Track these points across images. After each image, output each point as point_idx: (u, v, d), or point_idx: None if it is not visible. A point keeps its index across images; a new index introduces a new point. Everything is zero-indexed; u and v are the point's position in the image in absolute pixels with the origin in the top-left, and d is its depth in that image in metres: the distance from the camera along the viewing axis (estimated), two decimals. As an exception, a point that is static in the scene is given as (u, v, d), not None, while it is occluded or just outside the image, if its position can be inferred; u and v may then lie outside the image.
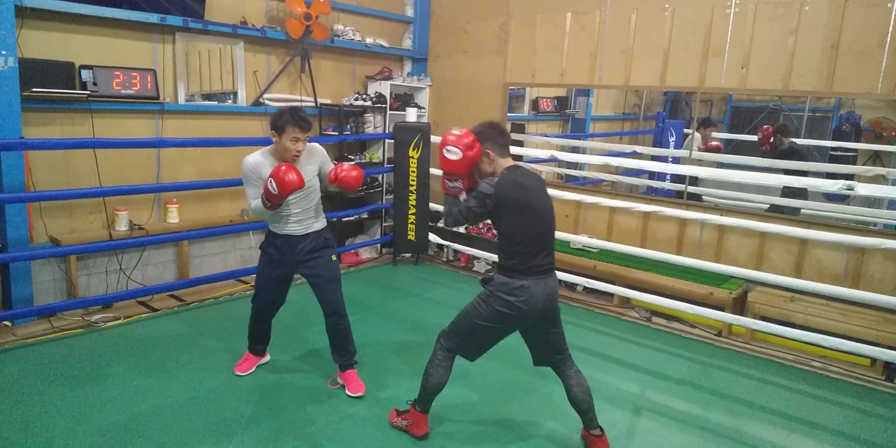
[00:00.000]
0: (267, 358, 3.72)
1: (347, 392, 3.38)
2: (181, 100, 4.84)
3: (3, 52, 3.73)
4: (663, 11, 5.01)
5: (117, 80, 4.35)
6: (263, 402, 3.28)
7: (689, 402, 3.53)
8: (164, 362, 3.66)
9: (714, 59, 4.83)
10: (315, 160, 3.31)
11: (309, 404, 3.28)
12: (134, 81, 4.43)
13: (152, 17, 4.43)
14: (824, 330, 4.05)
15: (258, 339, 3.62)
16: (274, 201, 3.04)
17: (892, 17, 4.07)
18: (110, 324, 4.18)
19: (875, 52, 4.16)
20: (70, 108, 4.19)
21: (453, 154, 2.71)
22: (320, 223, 3.38)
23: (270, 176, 2.98)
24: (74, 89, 4.13)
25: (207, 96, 5.14)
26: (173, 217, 4.82)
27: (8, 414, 3.01)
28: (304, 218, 3.29)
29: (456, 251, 6.12)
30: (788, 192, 5.33)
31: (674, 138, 6.83)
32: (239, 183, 5.01)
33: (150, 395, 3.26)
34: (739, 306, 4.61)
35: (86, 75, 4.19)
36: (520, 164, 2.85)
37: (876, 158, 6.33)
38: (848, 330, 4.02)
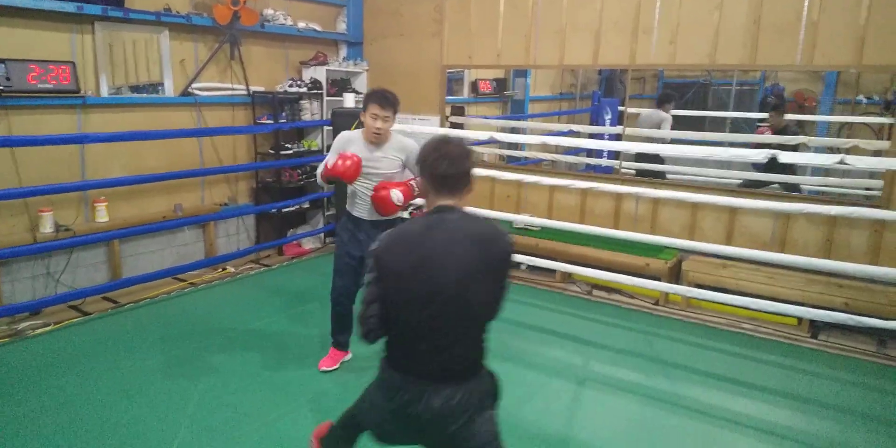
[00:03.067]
0: (349, 355, 3.66)
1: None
2: (104, 93, 4.64)
3: None
4: (593, -10, 5.08)
5: (33, 74, 4.12)
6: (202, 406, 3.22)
7: (630, 371, 3.65)
8: (99, 369, 3.50)
9: (644, 36, 4.93)
10: (399, 152, 3.32)
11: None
12: (51, 75, 4.21)
13: (68, 6, 4.21)
14: (754, 293, 4.23)
15: (337, 329, 3.58)
16: (325, 174, 3.27)
17: (807, -7, 4.24)
18: (39, 331, 3.98)
19: (793, 25, 4.33)
20: (-19, 104, 3.98)
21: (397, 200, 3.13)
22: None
23: (339, 154, 3.20)
24: (-15, 84, 3.92)
25: (135, 89, 4.94)
26: (102, 216, 4.63)
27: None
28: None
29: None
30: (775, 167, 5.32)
31: (609, 116, 6.96)
32: (171, 176, 4.95)
33: (85, 405, 3.11)
34: (675, 275, 4.78)
35: (-3, 69, 3.98)
36: (458, 209, 1.88)
37: (800, 127, 6.61)
38: (776, 292, 4.22)
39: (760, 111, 6.50)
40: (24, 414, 3.01)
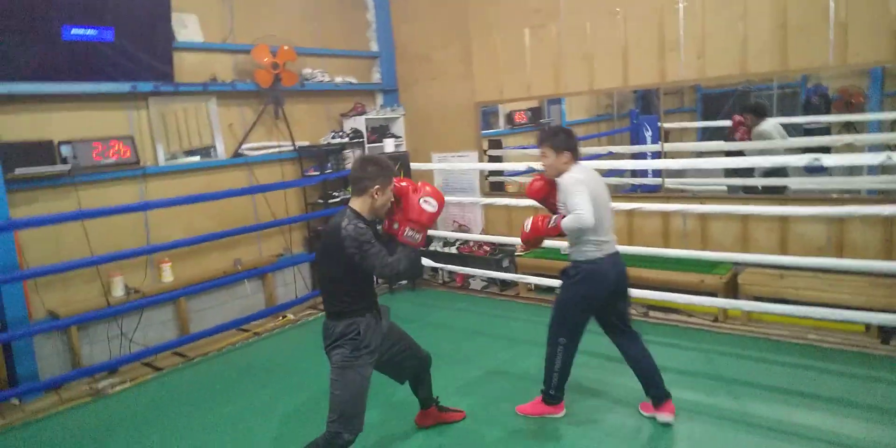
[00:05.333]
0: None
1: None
2: (161, 161, 4.96)
3: (-18, 141, 3.84)
4: (615, 15, 5.15)
5: (96, 151, 4.47)
6: None
7: (693, 391, 3.56)
8: (177, 421, 3.67)
9: (671, 53, 4.96)
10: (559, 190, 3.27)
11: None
12: (113, 150, 4.56)
13: (124, 87, 4.58)
14: (816, 302, 4.08)
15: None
16: None
17: (831, -8, 4.19)
18: (117, 388, 4.21)
19: (821, 26, 4.28)
20: (54, 183, 4.31)
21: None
22: (576, 255, 3.26)
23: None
24: (56, 165, 4.24)
25: (189, 152, 5.24)
26: (167, 276, 4.91)
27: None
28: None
29: (451, 272, 6.19)
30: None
31: (650, 133, 6.91)
32: (229, 233, 5.12)
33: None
34: (732, 290, 4.65)
35: (66, 150, 4.32)
36: (345, 207, 2.77)
37: (850, 126, 6.39)
38: (839, 299, 4.05)
39: (805, 113, 6.33)
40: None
